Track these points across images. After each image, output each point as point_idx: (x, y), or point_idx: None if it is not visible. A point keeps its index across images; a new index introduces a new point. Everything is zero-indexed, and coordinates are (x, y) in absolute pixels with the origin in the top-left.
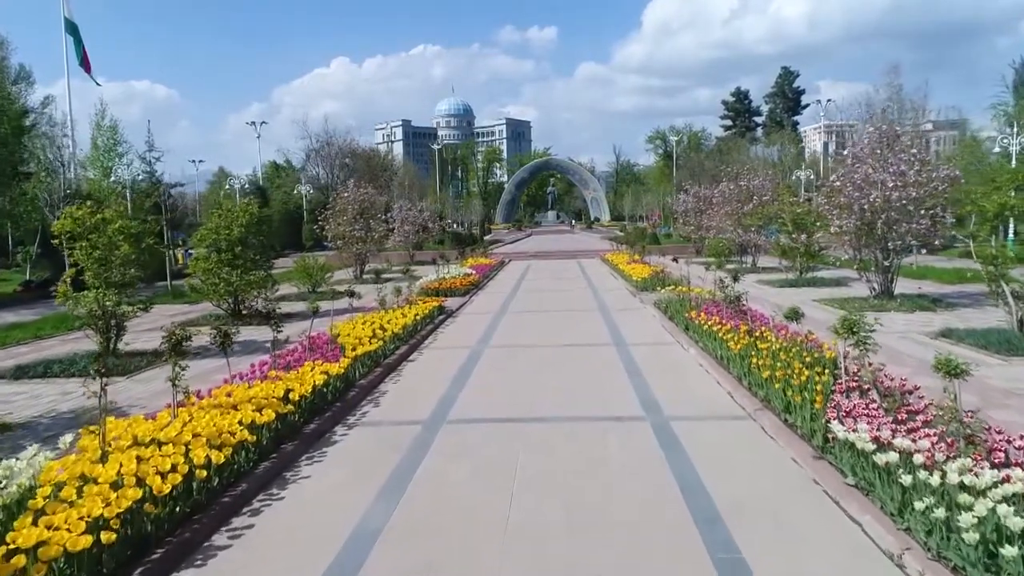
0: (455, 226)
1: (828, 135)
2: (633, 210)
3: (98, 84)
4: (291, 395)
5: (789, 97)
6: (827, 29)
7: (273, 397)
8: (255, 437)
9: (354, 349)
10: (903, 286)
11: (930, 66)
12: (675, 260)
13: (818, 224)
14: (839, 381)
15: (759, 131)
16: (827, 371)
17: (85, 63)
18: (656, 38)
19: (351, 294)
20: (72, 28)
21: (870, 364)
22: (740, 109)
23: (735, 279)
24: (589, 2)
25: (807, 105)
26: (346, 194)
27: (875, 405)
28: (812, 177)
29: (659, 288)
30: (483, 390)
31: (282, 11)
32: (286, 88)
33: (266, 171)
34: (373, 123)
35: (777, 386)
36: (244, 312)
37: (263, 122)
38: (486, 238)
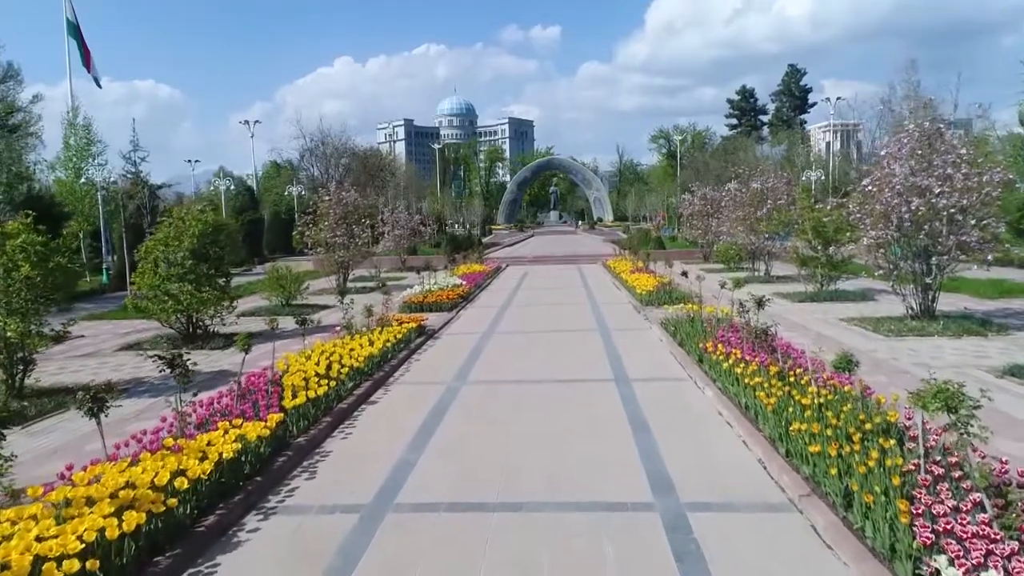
0: (456, 227)
1: (833, 135)
2: (637, 210)
3: (99, 86)
4: (180, 481)
5: (796, 95)
6: (831, 28)
7: (150, 487)
8: (99, 562)
9: (295, 395)
10: (940, 302)
11: (933, 65)
12: (684, 275)
13: (848, 235)
14: (913, 460)
15: (765, 130)
16: (892, 440)
17: (86, 61)
18: (659, 37)
19: (303, 322)
20: (73, 30)
21: (981, 455)
22: (746, 108)
23: (760, 304)
24: (593, 1)
25: (814, 104)
26: (327, 197)
27: (985, 518)
28: (823, 178)
29: (666, 305)
30: (449, 452)
31: (286, 11)
32: (289, 88)
33: (266, 171)
34: (376, 123)
35: (833, 471)
36: (199, 333)
37: (256, 121)
38: (484, 240)
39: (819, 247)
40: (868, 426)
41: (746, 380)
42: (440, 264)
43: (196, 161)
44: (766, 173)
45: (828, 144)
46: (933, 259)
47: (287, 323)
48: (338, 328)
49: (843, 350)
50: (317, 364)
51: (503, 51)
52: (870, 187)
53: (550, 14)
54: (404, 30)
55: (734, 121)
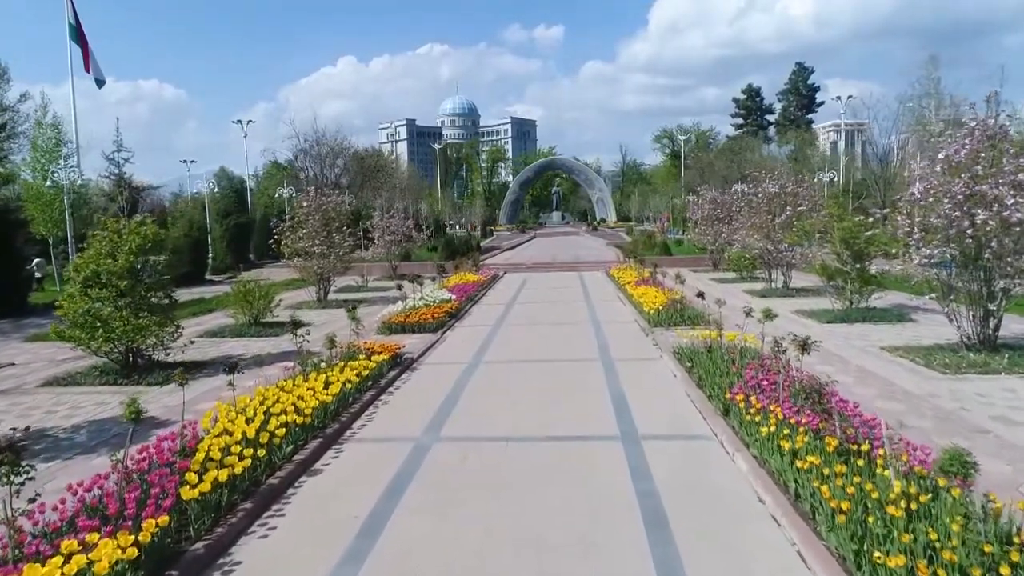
0: (456, 227)
1: (837, 134)
2: (640, 211)
3: (99, 87)
4: None
5: (803, 94)
6: (835, 27)
7: None
8: None
9: (202, 476)
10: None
11: (939, 64)
12: (701, 296)
13: (894, 252)
14: None
15: (771, 130)
16: None
17: (85, 62)
18: (662, 36)
19: (232, 368)
20: (74, 33)
21: None
22: (752, 107)
23: (804, 348)
24: (596, 1)
25: (822, 103)
26: (305, 203)
27: None
28: (835, 179)
29: (677, 326)
30: (397, 569)
31: (290, 10)
32: (292, 87)
33: (266, 171)
34: (379, 123)
35: None
36: (141, 362)
37: (250, 121)
38: (484, 244)
39: (848, 260)
40: (1004, 571)
41: (798, 463)
42: (431, 268)
43: (192, 161)
44: (783, 176)
45: (835, 144)
46: (1000, 282)
47: (252, 345)
48: (291, 365)
49: (954, 447)
50: (251, 420)
51: (506, 51)
52: (924, 198)
53: (553, 14)
54: (407, 30)
55: (740, 120)
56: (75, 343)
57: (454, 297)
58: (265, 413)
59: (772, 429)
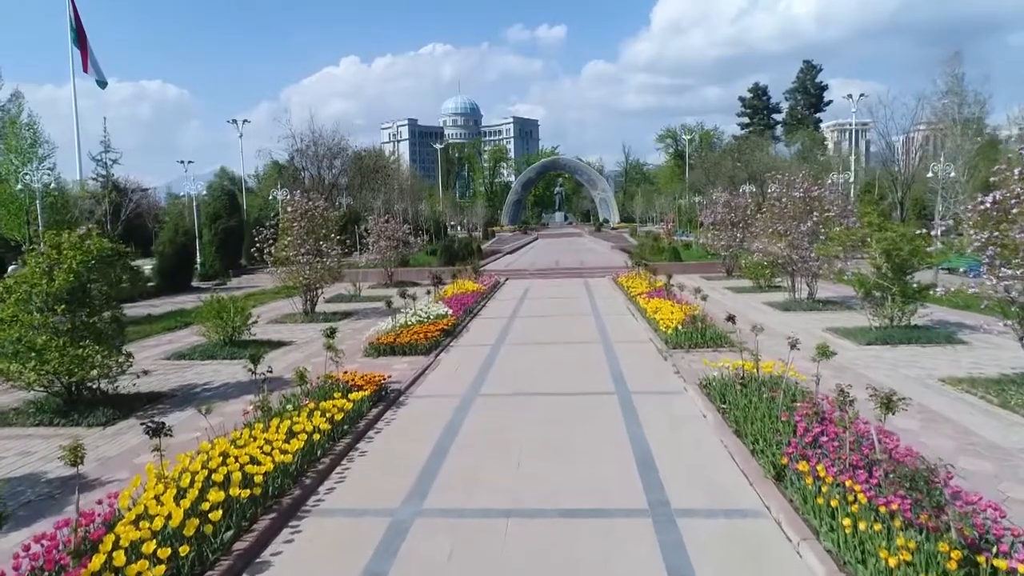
0: (458, 228)
1: (840, 134)
2: (644, 212)
3: (101, 87)
4: None
5: (811, 93)
6: (837, 26)
7: None
8: None
9: None
10: None
11: (941, 63)
12: (731, 320)
13: (962, 270)
14: None
15: (778, 129)
16: None
17: (84, 63)
18: (665, 36)
19: (156, 431)
20: (75, 34)
21: None
22: (758, 106)
23: (888, 406)
24: (598, 0)
25: (830, 102)
26: (290, 207)
27: None
28: (851, 181)
29: (699, 347)
30: None
31: (293, 10)
32: (295, 87)
33: (267, 171)
34: (381, 122)
35: None
36: (87, 396)
37: (246, 120)
38: (485, 247)
39: (889, 273)
40: None
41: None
42: (429, 275)
43: (190, 162)
44: (806, 179)
45: (839, 144)
46: None
47: (221, 371)
48: (249, 408)
49: None
50: (185, 492)
51: (508, 50)
52: (991, 207)
53: (555, 13)
54: (410, 30)
55: (746, 120)
56: (2, 377)
57: (451, 312)
58: (207, 480)
59: (862, 527)
